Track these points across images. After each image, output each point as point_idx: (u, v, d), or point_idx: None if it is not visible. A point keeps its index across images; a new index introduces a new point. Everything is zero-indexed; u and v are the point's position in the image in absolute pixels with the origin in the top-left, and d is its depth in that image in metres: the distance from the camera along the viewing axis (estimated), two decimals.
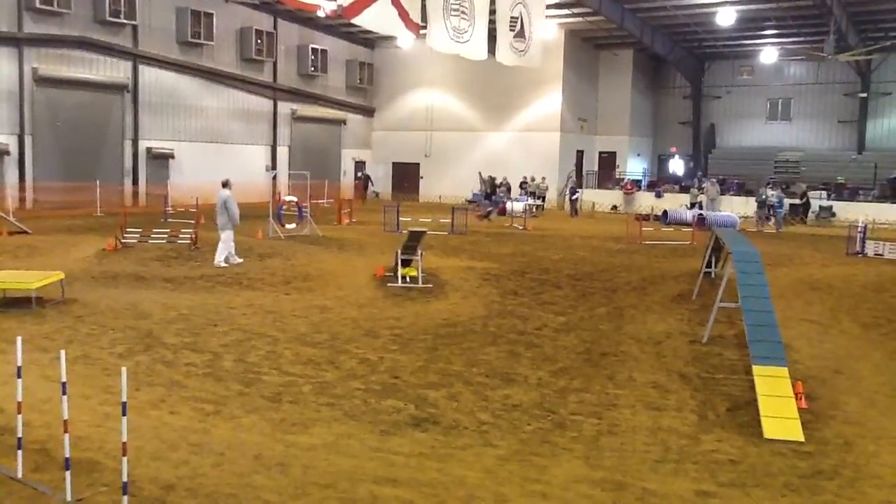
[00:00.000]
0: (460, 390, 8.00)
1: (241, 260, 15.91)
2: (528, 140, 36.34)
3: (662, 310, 12.31)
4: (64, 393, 5.26)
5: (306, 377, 8.29)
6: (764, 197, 27.53)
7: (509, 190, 33.14)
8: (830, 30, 29.21)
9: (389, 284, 13.80)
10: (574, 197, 32.46)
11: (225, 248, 15.71)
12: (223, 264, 15.48)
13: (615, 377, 8.62)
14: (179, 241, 17.96)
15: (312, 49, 35.85)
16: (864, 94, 35.47)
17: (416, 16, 22.38)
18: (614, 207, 34.25)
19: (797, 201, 29.87)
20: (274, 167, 33.81)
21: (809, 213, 30.08)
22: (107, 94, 28.57)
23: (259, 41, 33.15)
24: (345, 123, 38.91)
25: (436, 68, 36.79)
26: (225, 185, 16.09)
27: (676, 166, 39.81)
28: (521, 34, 26.55)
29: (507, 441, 6.63)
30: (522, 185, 34.33)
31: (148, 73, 29.68)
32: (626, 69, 38.17)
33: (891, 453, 6.57)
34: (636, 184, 35.99)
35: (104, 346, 9.26)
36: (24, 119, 26.09)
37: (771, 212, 26.99)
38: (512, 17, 26.04)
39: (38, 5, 25.50)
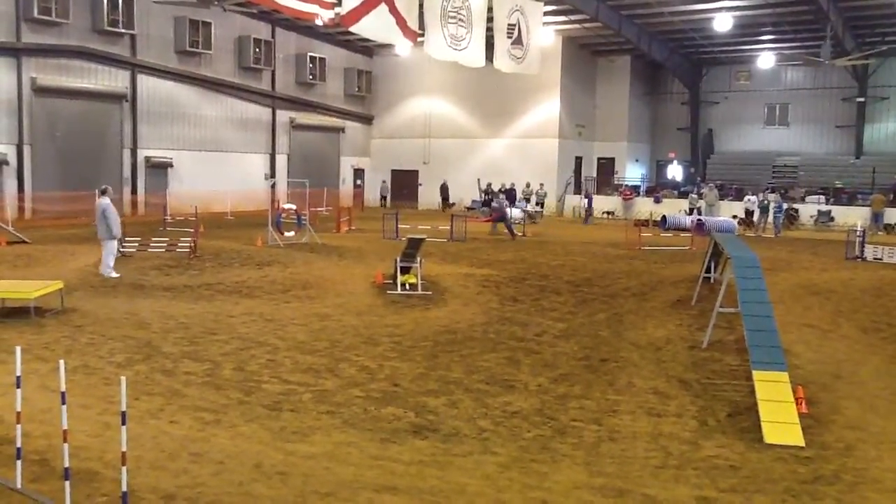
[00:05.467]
0: (460, 397, 7.99)
1: (116, 275, 14.82)
2: (526, 147, 36.39)
3: (662, 315, 12.31)
4: (63, 403, 5.25)
5: (306, 385, 8.28)
6: (766, 202, 27.68)
7: (509, 197, 33.09)
8: (827, 35, 29.28)
9: (389, 292, 13.79)
10: (589, 204, 32.47)
11: (111, 258, 14.92)
12: (113, 274, 14.74)
13: (615, 383, 8.61)
14: (178, 250, 17.95)
15: (311, 57, 35.92)
16: (862, 99, 35.54)
17: (413, 23, 22.45)
18: (610, 213, 34.27)
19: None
20: (273, 175, 33.84)
21: (809, 218, 30.33)
22: (105, 104, 28.61)
23: (257, 50, 33.24)
24: (343, 131, 38.97)
25: (434, 76, 36.86)
26: (104, 192, 15.30)
27: (675, 172, 39.86)
28: (518, 41, 26.61)
29: (507, 448, 6.61)
30: (506, 191, 33.91)
31: (146, 83, 29.74)
32: (624, 75, 38.26)
33: (892, 458, 6.55)
34: (635, 190, 36.02)
35: (103, 356, 9.24)
36: (23, 129, 26.13)
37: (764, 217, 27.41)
38: (509, 25, 26.12)
39: (36, 15, 25.56)
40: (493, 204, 27.59)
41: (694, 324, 11.56)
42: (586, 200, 32.94)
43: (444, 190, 37.01)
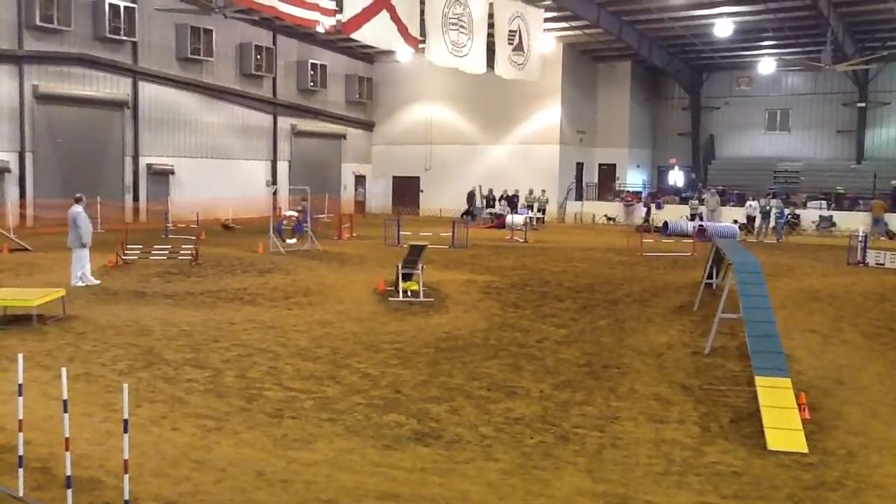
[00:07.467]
0: (462, 404, 7.98)
1: (97, 281, 14.93)
2: (527, 153, 36.42)
3: (664, 321, 12.30)
4: (65, 410, 5.25)
5: (308, 392, 8.27)
6: (768, 208, 27.69)
7: (511, 203, 33.16)
8: (827, 40, 29.31)
9: (391, 299, 13.79)
10: (647, 213, 32.11)
11: (79, 267, 14.81)
12: (80, 283, 14.59)
13: (617, 389, 8.60)
14: (180, 257, 17.97)
15: (312, 64, 35.99)
16: (863, 104, 35.52)
17: (414, 30, 22.48)
18: (611, 219, 34.22)
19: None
20: (274, 182, 33.87)
21: (810, 224, 30.39)
22: (107, 111, 28.65)
23: (258, 57, 33.30)
24: (345, 138, 39.00)
25: (435, 82, 36.92)
26: (77, 200, 15.20)
27: (676, 177, 39.86)
28: (519, 47, 26.66)
29: (509, 455, 6.61)
30: (507, 198, 33.89)
31: (148, 90, 29.77)
32: (625, 81, 38.29)
33: (894, 464, 6.54)
34: (636, 195, 36.02)
35: (105, 363, 9.25)
36: (25, 136, 26.15)
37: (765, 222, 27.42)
38: (510, 31, 26.17)
39: (38, 23, 25.61)
40: (302, 205, 25.21)
41: (696, 330, 11.55)
42: (646, 210, 32.37)
43: (471, 198, 35.26)
